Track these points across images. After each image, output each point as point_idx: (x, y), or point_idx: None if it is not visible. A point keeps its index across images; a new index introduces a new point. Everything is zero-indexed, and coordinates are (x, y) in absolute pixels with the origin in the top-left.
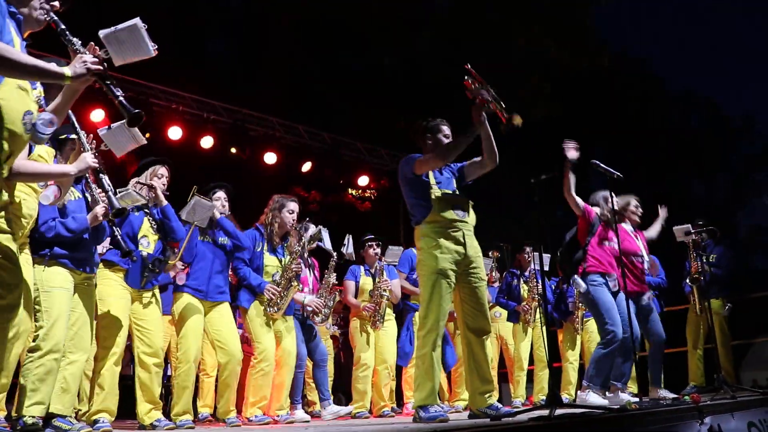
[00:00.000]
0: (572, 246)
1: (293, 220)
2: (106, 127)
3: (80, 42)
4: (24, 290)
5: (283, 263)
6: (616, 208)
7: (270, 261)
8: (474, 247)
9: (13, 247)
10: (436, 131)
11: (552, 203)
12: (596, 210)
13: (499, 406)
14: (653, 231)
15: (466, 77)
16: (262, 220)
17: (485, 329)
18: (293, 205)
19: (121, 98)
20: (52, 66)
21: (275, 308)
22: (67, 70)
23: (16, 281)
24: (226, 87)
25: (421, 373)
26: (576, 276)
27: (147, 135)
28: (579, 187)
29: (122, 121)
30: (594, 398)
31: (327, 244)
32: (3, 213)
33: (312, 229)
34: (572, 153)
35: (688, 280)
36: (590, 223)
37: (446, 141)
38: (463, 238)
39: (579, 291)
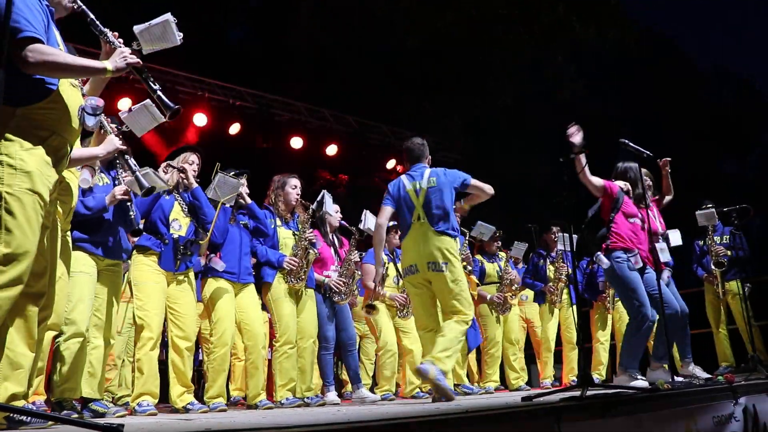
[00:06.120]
0: (595, 222)
1: (297, 195)
2: (127, 109)
3: (112, 33)
4: (60, 277)
5: (298, 235)
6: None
7: (285, 234)
8: None
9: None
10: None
11: (579, 183)
12: (620, 183)
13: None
14: (665, 190)
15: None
16: (267, 201)
17: None
18: (295, 181)
19: (159, 92)
20: (95, 62)
21: (297, 279)
22: (108, 65)
23: (42, 269)
24: (251, 73)
25: None
26: (599, 253)
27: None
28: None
29: (142, 103)
30: (634, 383)
31: (328, 206)
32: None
33: (327, 198)
34: (576, 138)
35: (712, 264)
36: (614, 199)
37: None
38: None
39: (604, 269)
